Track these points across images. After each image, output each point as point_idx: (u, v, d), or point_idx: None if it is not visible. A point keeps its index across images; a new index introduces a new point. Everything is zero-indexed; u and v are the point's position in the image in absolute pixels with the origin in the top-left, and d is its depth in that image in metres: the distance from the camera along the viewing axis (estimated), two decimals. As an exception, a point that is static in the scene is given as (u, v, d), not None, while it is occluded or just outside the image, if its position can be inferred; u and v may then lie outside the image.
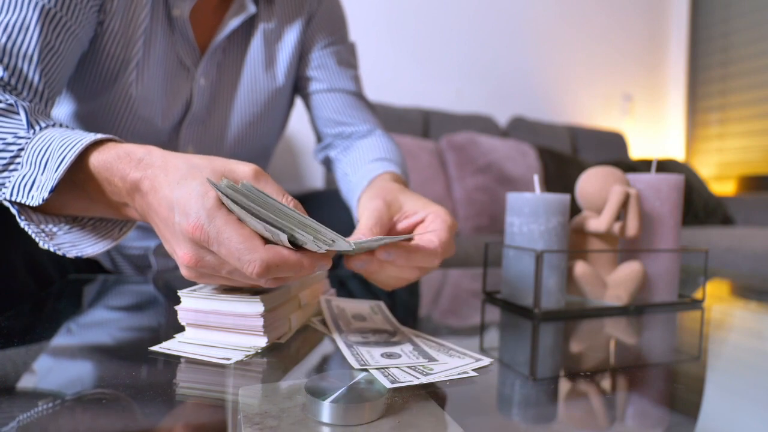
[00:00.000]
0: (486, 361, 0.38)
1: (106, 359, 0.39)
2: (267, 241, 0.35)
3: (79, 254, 0.46)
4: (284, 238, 0.33)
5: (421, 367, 0.35)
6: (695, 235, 1.85)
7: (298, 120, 1.46)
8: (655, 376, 0.40)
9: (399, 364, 0.35)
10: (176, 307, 0.41)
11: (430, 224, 0.47)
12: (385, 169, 0.69)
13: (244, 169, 0.37)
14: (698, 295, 0.66)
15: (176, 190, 0.36)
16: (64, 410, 0.30)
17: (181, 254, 0.36)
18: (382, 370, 0.34)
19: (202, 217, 0.34)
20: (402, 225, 0.50)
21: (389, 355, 0.37)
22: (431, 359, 0.37)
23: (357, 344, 0.40)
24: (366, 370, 0.34)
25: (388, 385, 0.31)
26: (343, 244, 0.35)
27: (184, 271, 0.38)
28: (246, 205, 0.33)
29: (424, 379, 0.33)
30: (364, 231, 0.46)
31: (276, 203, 0.35)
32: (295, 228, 0.34)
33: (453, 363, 0.37)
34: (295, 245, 0.35)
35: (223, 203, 0.34)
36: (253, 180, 0.37)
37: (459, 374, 0.35)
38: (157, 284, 0.68)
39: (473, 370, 0.36)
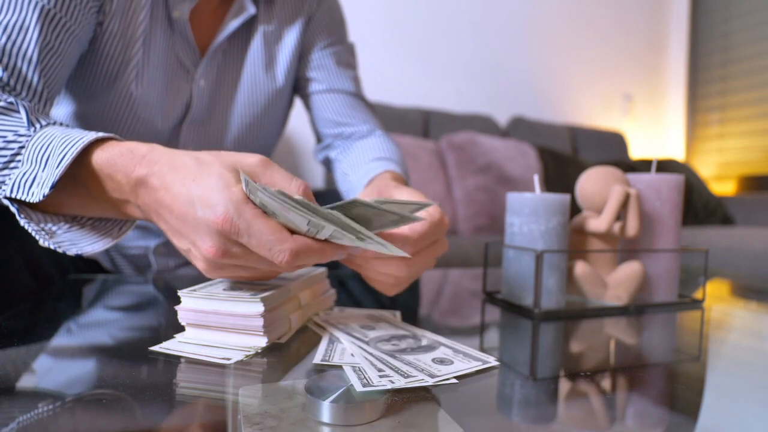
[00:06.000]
0: (491, 362, 0.38)
1: (106, 359, 0.39)
2: (292, 231, 0.37)
3: (79, 252, 0.46)
4: (329, 230, 0.36)
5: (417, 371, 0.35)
6: (695, 235, 1.85)
7: (298, 120, 1.46)
8: (655, 376, 0.40)
9: (456, 371, 0.35)
10: (176, 307, 0.41)
11: None
12: (384, 168, 0.69)
13: (251, 160, 0.39)
14: (698, 295, 0.66)
15: (194, 187, 0.37)
16: (64, 410, 0.30)
17: (206, 247, 0.36)
18: (357, 372, 0.33)
19: (231, 210, 0.35)
20: None
21: (441, 361, 0.37)
22: (484, 361, 0.37)
23: (397, 352, 0.38)
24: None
25: (360, 388, 0.30)
26: (375, 243, 0.37)
27: (202, 265, 0.39)
28: (293, 204, 0.35)
29: (402, 383, 0.32)
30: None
31: (324, 209, 0.37)
32: (338, 228, 0.36)
33: (457, 366, 0.37)
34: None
35: (248, 197, 0.36)
36: (262, 170, 0.39)
37: (437, 381, 0.33)
38: (157, 284, 0.68)
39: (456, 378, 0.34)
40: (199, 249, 0.37)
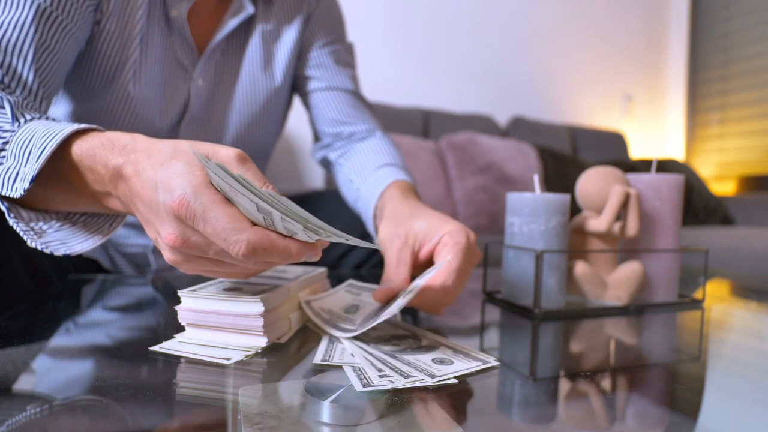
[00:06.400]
0: (491, 362, 0.38)
1: (106, 359, 0.39)
2: (254, 223, 0.34)
3: (67, 252, 0.45)
4: (277, 217, 0.32)
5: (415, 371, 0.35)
6: (695, 235, 1.85)
7: (298, 120, 1.46)
8: (655, 376, 0.40)
9: (456, 371, 0.35)
10: (176, 307, 0.41)
11: (443, 248, 0.47)
12: (394, 177, 0.69)
13: (227, 153, 0.37)
14: (698, 295, 0.66)
15: (160, 171, 0.35)
16: (64, 410, 0.30)
17: (166, 234, 0.34)
18: (357, 372, 0.33)
19: (188, 193, 0.33)
20: (424, 252, 0.49)
21: (441, 361, 0.37)
22: (484, 361, 0.37)
23: (397, 352, 0.38)
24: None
25: (360, 388, 0.30)
26: (332, 235, 0.34)
27: (168, 255, 0.36)
28: (237, 185, 0.32)
29: (402, 383, 0.32)
30: (392, 276, 0.47)
31: (265, 191, 0.33)
32: (285, 216, 0.32)
33: (457, 366, 0.37)
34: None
35: (211, 182, 0.33)
36: (237, 164, 0.36)
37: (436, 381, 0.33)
38: (156, 284, 0.68)
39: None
40: (161, 236, 0.35)
